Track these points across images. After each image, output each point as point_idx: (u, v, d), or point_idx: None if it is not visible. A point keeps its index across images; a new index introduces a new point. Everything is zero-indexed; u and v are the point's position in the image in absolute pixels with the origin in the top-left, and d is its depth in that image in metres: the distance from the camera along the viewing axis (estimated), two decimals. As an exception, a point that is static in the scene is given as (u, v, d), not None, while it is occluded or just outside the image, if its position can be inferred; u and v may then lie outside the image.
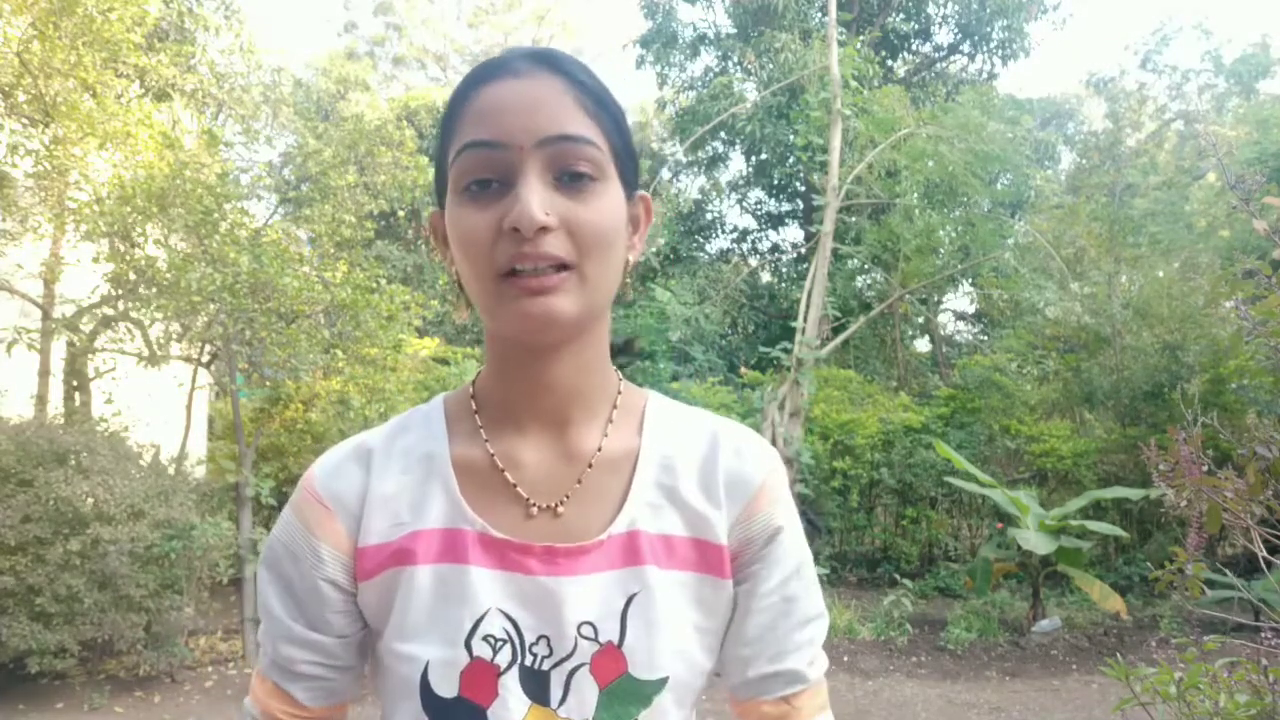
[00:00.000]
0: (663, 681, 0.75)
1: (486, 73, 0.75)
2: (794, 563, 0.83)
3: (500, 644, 0.74)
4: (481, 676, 0.74)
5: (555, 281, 0.71)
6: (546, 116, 0.71)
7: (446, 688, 0.74)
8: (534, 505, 0.78)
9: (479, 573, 0.76)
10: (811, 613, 0.83)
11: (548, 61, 0.74)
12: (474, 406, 0.83)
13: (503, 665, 0.74)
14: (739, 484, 0.82)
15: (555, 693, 0.74)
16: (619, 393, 0.84)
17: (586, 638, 0.75)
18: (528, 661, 0.75)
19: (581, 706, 0.74)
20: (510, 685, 0.74)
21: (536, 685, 0.74)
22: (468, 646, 0.74)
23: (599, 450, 0.80)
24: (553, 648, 0.75)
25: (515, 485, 0.79)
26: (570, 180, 0.72)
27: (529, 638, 0.75)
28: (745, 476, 0.82)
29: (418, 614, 0.75)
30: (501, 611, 0.75)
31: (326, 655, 0.81)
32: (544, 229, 0.70)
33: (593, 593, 0.76)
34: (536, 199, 0.69)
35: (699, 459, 0.82)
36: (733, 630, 0.82)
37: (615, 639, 0.75)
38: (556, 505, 0.78)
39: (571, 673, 0.74)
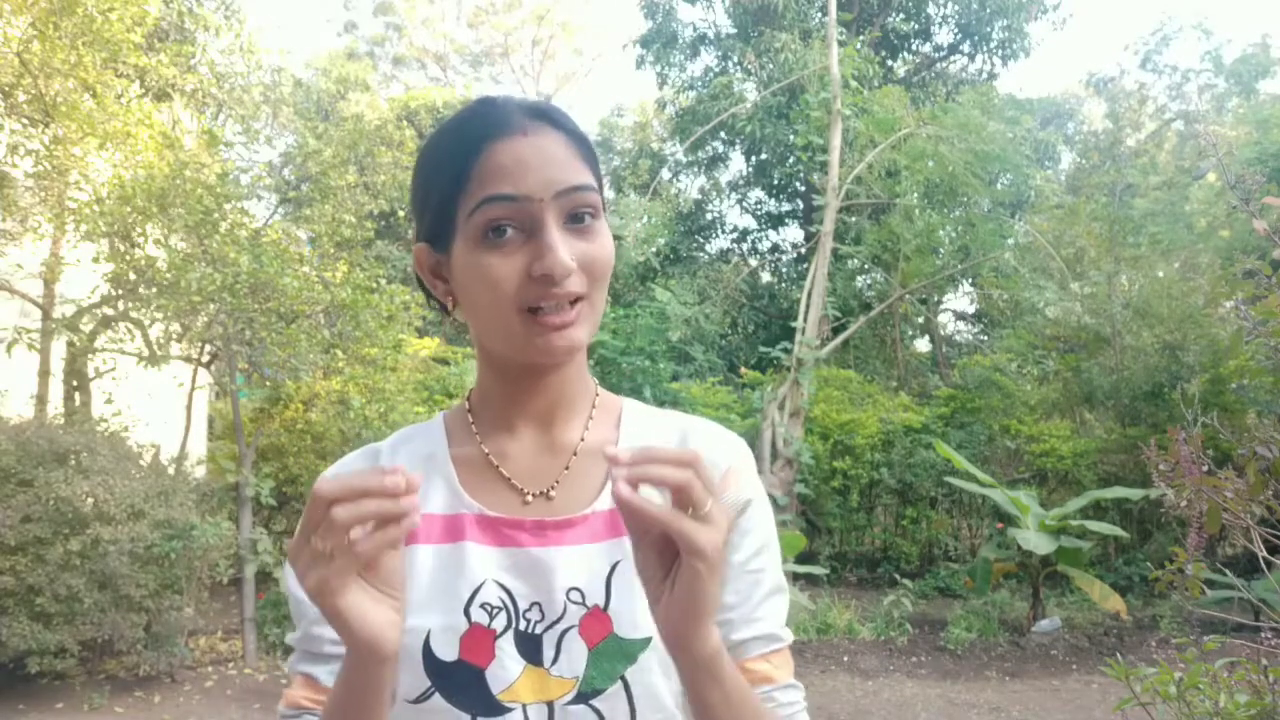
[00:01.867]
0: (646, 640, 0.82)
1: (492, 130, 0.81)
2: (763, 536, 0.90)
3: (496, 611, 0.82)
4: (480, 640, 0.81)
5: (573, 315, 0.80)
6: (559, 168, 0.80)
7: (448, 651, 0.81)
8: (529, 493, 0.87)
9: (475, 548, 0.83)
10: (778, 584, 0.90)
11: (546, 117, 0.83)
12: (470, 419, 0.92)
13: (499, 630, 0.81)
14: (712, 467, 0.87)
15: (548, 653, 0.81)
16: (596, 394, 0.94)
17: (575, 602, 0.82)
18: (522, 626, 0.82)
19: (572, 665, 0.81)
20: (506, 648, 0.81)
21: (530, 647, 0.82)
22: (466, 614, 0.81)
23: (581, 441, 0.89)
24: (544, 612, 0.82)
25: (510, 478, 0.88)
26: (577, 221, 0.81)
27: (522, 605, 0.82)
28: (715, 460, 0.89)
29: (420, 589, 0.82)
30: (497, 582, 0.83)
31: None
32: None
33: (580, 561, 0.83)
34: (564, 249, 0.78)
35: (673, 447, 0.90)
36: None
37: (601, 603, 0.82)
38: (548, 490, 0.87)
39: (562, 635, 0.82)
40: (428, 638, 0.81)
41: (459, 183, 0.81)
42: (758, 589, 0.88)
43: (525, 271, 0.79)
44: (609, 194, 15.00)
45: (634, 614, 0.82)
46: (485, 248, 0.80)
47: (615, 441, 0.90)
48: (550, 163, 0.80)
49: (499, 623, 0.81)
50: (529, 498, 0.86)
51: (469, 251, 0.81)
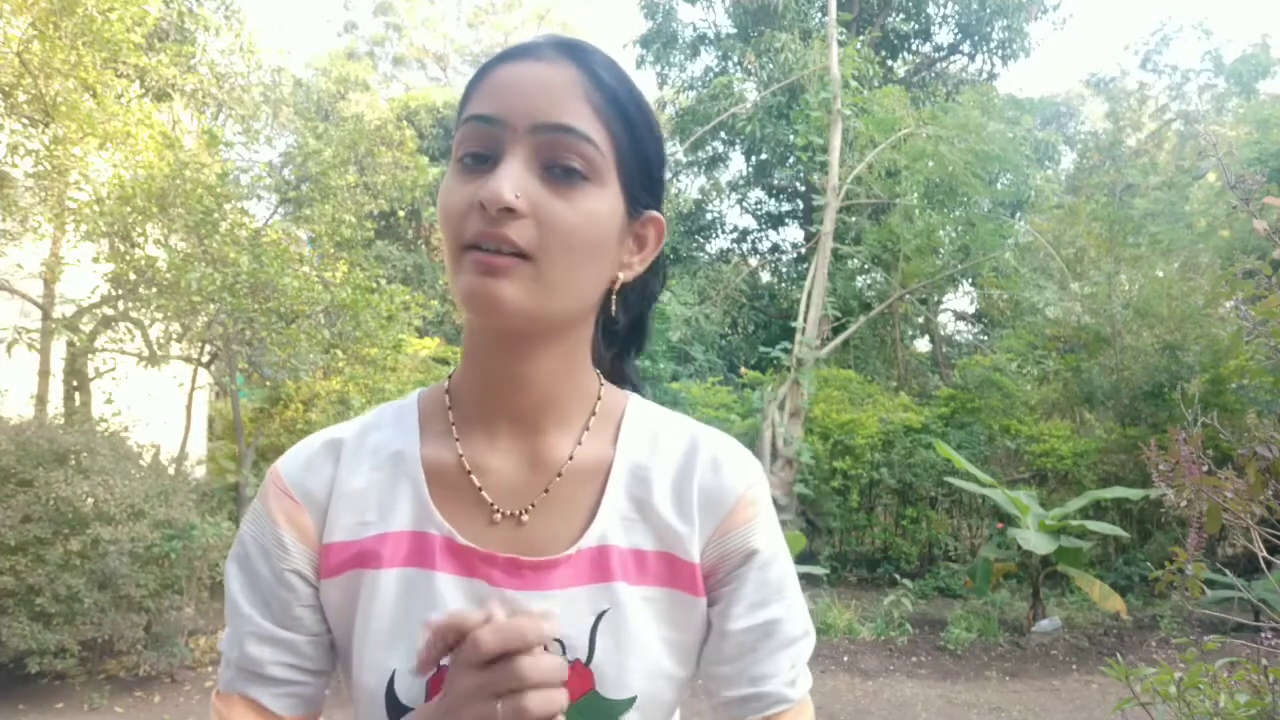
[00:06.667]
0: (630, 701, 0.74)
1: (512, 52, 0.73)
2: (773, 585, 0.80)
3: None
4: None
5: (506, 264, 0.67)
6: (548, 102, 0.69)
7: (413, 695, 0.72)
8: (498, 512, 0.76)
9: (445, 579, 0.74)
10: (795, 633, 0.80)
11: (573, 52, 0.72)
12: (448, 403, 0.81)
13: None
14: (713, 502, 0.79)
15: None
16: (598, 399, 0.81)
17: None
18: None
19: None
20: None
21: None
22: None
23: (570, 459, 0.78)
24: None
25: (481, 490, 0.77)
26: (561, 174, 0.69)
27: None
28: (720, 494, 0.79)
29: (382, 620, 0.74)
30: None
31: (297, 655, 0.78)
32: (509, 210, 0.67)
33: (560, 608, 0.73)
34: (509, 180, 0.67)
35: (674, 471, 0.79)
36: (709, 649, 0.80)
37: (583, 657, 0.73)
38: (520, 514, 0.76)
39: None
40: (392, 678, 0.72)
41: (462, 104, 0.73)
42: (768, 641, 0.78)
43: (472, 199, 0.68)
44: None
45: (620, 670, 0.74)
46: (457, 172, 0.71)
47: (611, 460, 0.79)
48: (543, 92, 0.69)
49: None
50: (497, 517, 0.76)
51: (446, 177, 0.72)
